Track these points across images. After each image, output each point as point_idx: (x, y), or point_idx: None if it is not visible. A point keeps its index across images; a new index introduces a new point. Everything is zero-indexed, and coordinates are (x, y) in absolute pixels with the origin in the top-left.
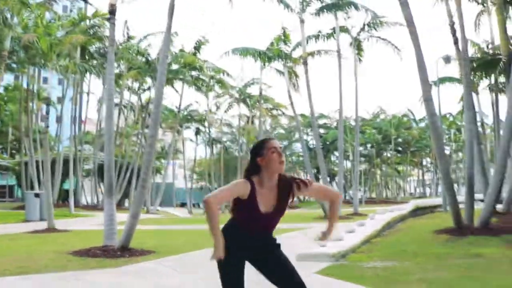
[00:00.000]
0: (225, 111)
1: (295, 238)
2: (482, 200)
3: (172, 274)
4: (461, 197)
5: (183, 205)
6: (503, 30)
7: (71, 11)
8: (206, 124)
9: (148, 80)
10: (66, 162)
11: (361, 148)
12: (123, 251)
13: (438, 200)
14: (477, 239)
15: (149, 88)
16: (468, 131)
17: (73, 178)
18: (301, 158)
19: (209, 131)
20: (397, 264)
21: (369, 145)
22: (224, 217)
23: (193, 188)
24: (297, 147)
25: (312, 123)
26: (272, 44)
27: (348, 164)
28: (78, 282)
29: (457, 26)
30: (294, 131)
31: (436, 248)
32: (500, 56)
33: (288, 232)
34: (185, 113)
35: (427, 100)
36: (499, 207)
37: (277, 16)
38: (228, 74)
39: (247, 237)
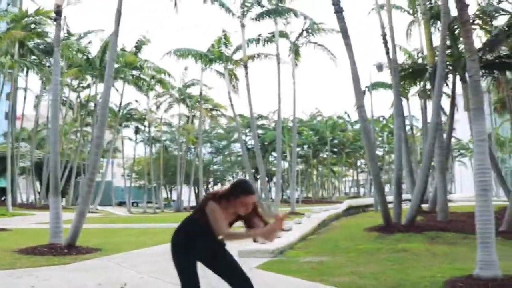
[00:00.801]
0: (165, 111)
1: None
2: (409, 200)
3: (120, 269)
4: (391, 197)
5: (121, 204)
6: (430, 42)
7: (8, 4)
8: (145, 123)
9: (88, 77)
10: (1, 159)
11: (298, 149)
12: (69, 249)
13: (371, 200)
14: (404, 236)
15: (88, 86)
16: (397, 136)
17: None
18: (239, 158)
19: (149, 130)
20: (331, 259)
21: (306, 146)
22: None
23: (132, 187)
24: (236, 147)
25: (252, 125)
26: (213, 46)
27: (285, 165)
28: (31, 278)
29: (388, 38)
30: (233, 132)
31: (366, 244)
32: (427, 66)
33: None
34: (125, 111)
35: (360, 107)
36: (425, 206)
37: (219, 18)
38: (169, 75)
39: (206, 239)
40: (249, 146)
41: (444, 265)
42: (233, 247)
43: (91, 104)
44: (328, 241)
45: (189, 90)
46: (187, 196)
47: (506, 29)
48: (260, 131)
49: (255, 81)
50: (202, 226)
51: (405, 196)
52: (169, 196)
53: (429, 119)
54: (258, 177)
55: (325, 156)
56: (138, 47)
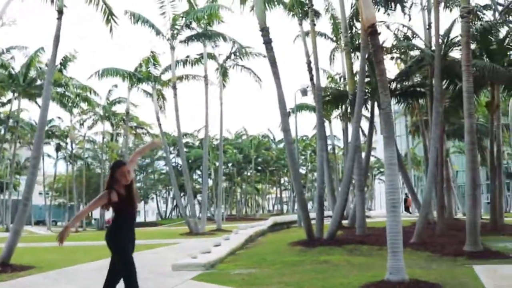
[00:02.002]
0: (89, 128)
1: (164, 252)
2: (331, 216)
3: (57, 285)
4: (314, 213)
5: (38, 222)
6: (351, 71)
7: None
8: (67, 140)
9: (9, 93)
10: None
11: (223, 167)
12: (4, 267)
13: (294, 217)
14: (325, 249)
15: (9, 102)
16: (319, 157)
17: None
18: (162, 176)
19: (72, 148)
20: (259, 271)
21: (230, 164)
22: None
23: (52, 205)
24: (159, 164)
25: (180, 144)
26: (140, 65)
27: (209, 182)
28: None
29: (313, 65)
30: (156, 149)
31: (291, 257)
32: (348, 93)
33: (158, 247)
34: (46, 128)
35: (286, 130)
36: (345, 222)
37: (148, 39)
38: (95, 92)
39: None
40: (173, 164)
41: (360, 273)
42: (166, 263)
43: (11, 121)
44: (256, 255)
45: (114, 108)
46: (110, 214)
47: (419, 60)
48: (185, 149)
49: (184, 100)
50: None
51: (326, 212)
52: (90, 214)
53: (350, 140)
54: (181, 194)
55: (249, 174)
56: (64, 64)
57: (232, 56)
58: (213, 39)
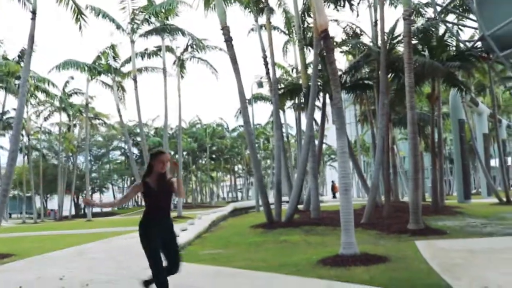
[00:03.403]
0: (45, 119)
1: (133, 238)
2: (287, 201)
3: (46, 268)
4: (271, 199)
5: None
6: (304, 67)
7: None
8: (23, 131)
9: None
10: None
11: (177, 155)
12: None
13: (252, 203)
14: (284, 230)
15: None
16: (277, 147)
17: None
18: (116, 166)
19: (29, 139)
20: (226, 251)
21: (185, 153)
22: None
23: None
24: (115, 154)
25: (141, 135)
26: (99, 57)
27: None
28: None
29: (269, 59)
30: (111, 140)
31: (254, 238)
32: (303, 87)
33: (128, 233)
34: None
35: (246, 122)
36: (300, 206)
37: (107, 31)
38: (53, 84)
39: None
40: (128, 154)
41: (317, 250)
42: (141, 247)
43: None
44: (221, 237)
45: (70, 99)
46: (66, 205)
47: (366, 55)
48: (139, 138)
49: (141, 89)
50: None
51: (283, 198)
52: (45, 205)
53: (303, 128)
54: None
55: (204, 162)
56: (21, 56)
57: (189, 49)
58: (172, 33)
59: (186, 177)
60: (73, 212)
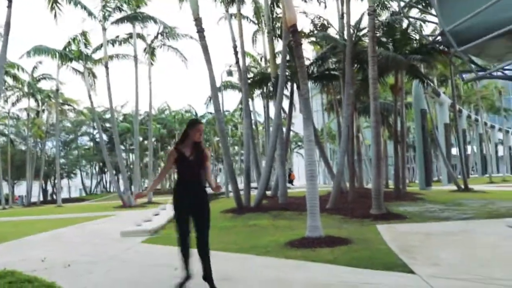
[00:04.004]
0: (13, 104)
1: (107, 222)
2: (255, 187)
3: (27, 251)
4: (240, 185)
5: None
6: (273, 57)
7: None
8: None
9: None
10: None
11: (146, 142)
12: None
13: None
14: (253, 215)
15: None
16: (246, 134)
17: None
18: (84, 151)
19: None
20: None
21: (154, 139)
22: None
23: None
24: (83, 140)
25: (112, 122)
26: (69, 43)
27: (133, 157)
28: None
29: (239, 49)
30: (80, 125)
31: (224, 222)
32: (271, 76)
33: (99, 219)
34: None
35: (217, 110)
36: (268, 192)
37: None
38: (23, 69)
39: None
40: (98, 140)
41: (285, 233)
42: (114, 231)
43: None
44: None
45: (39, 84)
46: (34, 191)
47: (333, 47)
48: (108, 124)
49: (113, 77)
50: None
51: (252, 184)
52: (11, 191)
53: (271, 116)
54: (106, 170)
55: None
56: None
57: (160, 37)
58: (143, 21)
59: (154, 163)
60: (41, 198)
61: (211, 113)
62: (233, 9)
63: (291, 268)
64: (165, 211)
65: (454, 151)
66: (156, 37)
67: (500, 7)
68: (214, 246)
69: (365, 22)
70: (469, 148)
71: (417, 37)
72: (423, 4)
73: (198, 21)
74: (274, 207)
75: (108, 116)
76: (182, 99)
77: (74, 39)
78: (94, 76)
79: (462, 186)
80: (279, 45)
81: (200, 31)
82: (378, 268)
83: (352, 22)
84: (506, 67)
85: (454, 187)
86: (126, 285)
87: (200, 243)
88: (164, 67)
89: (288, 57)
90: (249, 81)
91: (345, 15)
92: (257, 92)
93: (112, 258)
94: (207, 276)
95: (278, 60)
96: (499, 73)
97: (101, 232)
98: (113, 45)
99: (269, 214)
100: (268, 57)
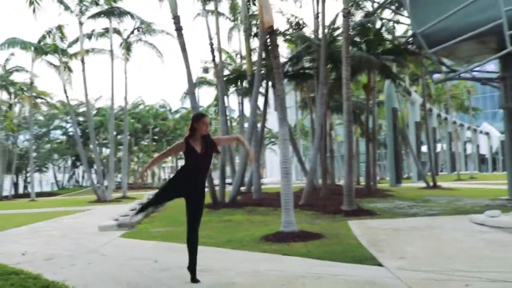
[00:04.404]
0: None
1: (83, 217)
2: (230, 183)
3: (7, 245)
4: (215, 181)
5: None
6: (249, 55)
7: None
8: None
9: None
10: None
11: (120, 136)
12: None
13: None
14: (228, 210)
15: None
16: (222, 131)
17: None
18: (56, 145)
19: None
20: (175, 229)
21: (128, 134)
22: None
23: None
24: (56, 134)
25: (88, 116)
26: (44, 37)
27: (106, 152)
28: None
29: (215, 47)
30: (53, 119)
31: None
32: (247, 74)
33: (75, 213)
34: None
35: (194, 107)
36: (243, 188)
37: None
38: None
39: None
40: (71, 133)
41: (259, 228)
42: (91, 225)
43: None
44: (168, 217)
45: (12, 77)
46: (6, 184)
47: (308, 47)
48: (81, 118)
49: (88, 70)
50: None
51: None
52: None
53: (245, 112)
54: (78, 164)
55: (146, 143)
56: None
57: (136, 32)
58: (120, 16)
59: (128, 158)
60: (12, 192)
61: (185, 108)
62: (210, 6)
63: (266, 261)
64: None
65: (424, 148)
66: (132, 32)
67: (468, 12)
68: None
69: (339, 22)
70: (438, 146)
71: (390, 37)
72: (396, 5)
73: (176, 19)
74: (249, 203)
75: (81, 110)
76: (157, 94)
77: (49, 33)
78: (70, 70)
79: (431, 183)
80: (254, 42)
81: (179, 29)
82: (349, 261)
83: (327, 22)
84: (474, 69)
85: (423, 184)
86: (109, 277)
87: (192, 234)
88: (139, 61)
89: (263, 55)
90: (224, 78)
91: (320, 15)
92: (232, 88)
93: (92, 251)
94: (192, 267)
95: (254, 57)
96: (468, 75)
97: (79, 226)
98: (90, 40)
99: (243, 210)
100: (244, 54)
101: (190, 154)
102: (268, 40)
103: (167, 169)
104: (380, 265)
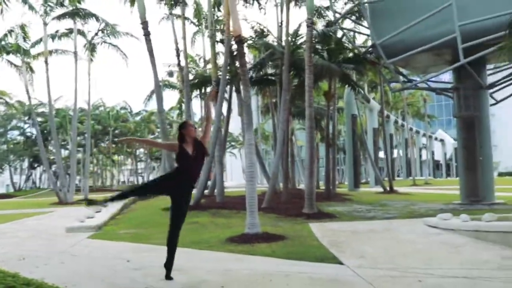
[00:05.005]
0: None
1: (47, 219)
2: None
3: None
4: None
5: None
6: (214, 61)
7: None
8: None
9: None
10: None
11: (79, 138)
12: None
13: None
14: (193, 213)
15: None
16: None
17: None
18: (11, 146)
19: None
20: (142, 231)
21: (87, 135)
22: None
23: None
24: (13, 134)
25: (50, 117)
26: (5, 35)
27: (65, 153)
28: None
29: (181, 52)
30: (10, 119)
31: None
32: (210, 78)
33: (37, 215)
34: None
35: (160, 111)
36: (206, 191)
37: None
38: None
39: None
40: (29, 134)
41: (224, 230)
42: (57, 227)
43: None
44: (134, 218)
45: None
46: None
47: (272, 54)
48: (40, 119)
49: (50, 71)
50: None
51: None
52: None
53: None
54: (36, 165)
55: (105, 145)
56: None
57: (100, 34)
58: (85, 18)
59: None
60: None
61: (146, 110)
62: (176, 10)
63: (233, 260)
64: (106, 208)
65: (382, 154)
66: (96, 34)
67: (425, 25)
68: (157, 241)
69: (302, 30)
70: (395, 152)
71: (350, 47)
72: (357, 16)
73: (145, 24)
74: (212, 206)
75: (40, 110)
76: (118, 95)
77: (11, 32)
78: (32, 70)
79: (388, 188)
80: (218, 46)
81: (147, 34)
82: (312, 260)
83: (291, 30)
84: (430, 79)
85: (381, 189)
86: (84, 276)
87: (175, 234)
88: (99, 62)
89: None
90: (190, 82)
91: (284, 24)
92: (195, 93)
93: (62, 252)
94: (169, 265)
95: (218, 62)
96: (424, 84)
97: (44, 228)
98: (53, 40)
99: (208, 212)
100: (208, 58)
101: (183, 157)
102: (235, 48)
103: (126, 171)
104: (341, 263)
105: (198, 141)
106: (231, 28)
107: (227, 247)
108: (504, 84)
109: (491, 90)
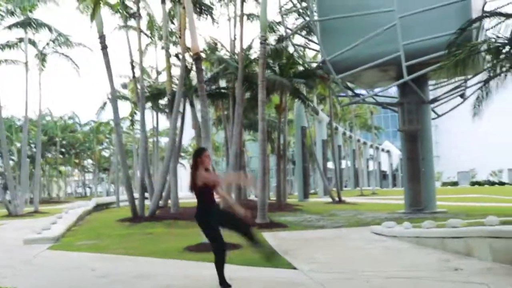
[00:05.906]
0: None
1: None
2: (147, 198)
3: None
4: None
5: None
6: (169, 75)
7: None
8: None
9: None
10: None
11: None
12: None
13: (113, 198)
14: (149, 224)
15: None
16: (142, 148)
17: None
18: None
19: None
20: (100, 241)
21: (33, 146)
22: None
23: None
24: None
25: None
26: None
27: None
28: None
29: (135, 63)
30: None
31: (122, 230)
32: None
33: None
34: None
35: (117, 124)
36: (161, 203)
37: None
38: None
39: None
40: None
41: (181, 240)
42: (12, 239)
43: None
44: (91, 230)
45: None
46: None
47: (225, 68)
48: None
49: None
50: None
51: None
52: None
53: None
54: None
55: (51, 156)
56: None
57: (51, 44)
58: (38, 28)
59: (32, 171)
60: None
61: (94, 121)
62: (130, 22)
63: (195, 267)
64: (62, 219)
65: (330, 165)
66: (47, 44)
67: (373, 43)
68: (116, 251)
69: (255, 45)
70: (343, 162)
71: (301, 62)
72: (307, 30)
73: (102, 38)
74: (167, 217)
75: None
76: (64, 105)
77: None
78: None
79: (337, 198)
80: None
81: (104, 47)
82: (268, 266)
83: (244, 45)
84: (377, 94)
85: (329, 199)
86: (54, 284)
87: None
88: (48, 72)
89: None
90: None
91: (237, 40)
92: (147, 105)
93: (26, 263)
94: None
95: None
96: (371, 99)
97: (1, 241)
98: (3, 50)
99: (163, 223)
100: (160, 69)
101: (206, 186)
102: (194, 65)
103: (73, 183)
104: (294, 268)
105: (208, 170)
106: (187, 44)
107: (185, 256)
108: (445, 99)
109: (433, 105)
